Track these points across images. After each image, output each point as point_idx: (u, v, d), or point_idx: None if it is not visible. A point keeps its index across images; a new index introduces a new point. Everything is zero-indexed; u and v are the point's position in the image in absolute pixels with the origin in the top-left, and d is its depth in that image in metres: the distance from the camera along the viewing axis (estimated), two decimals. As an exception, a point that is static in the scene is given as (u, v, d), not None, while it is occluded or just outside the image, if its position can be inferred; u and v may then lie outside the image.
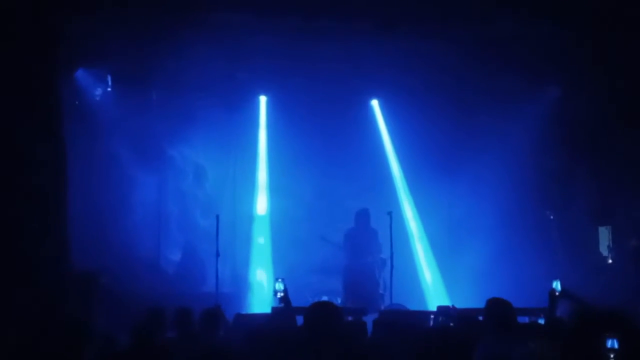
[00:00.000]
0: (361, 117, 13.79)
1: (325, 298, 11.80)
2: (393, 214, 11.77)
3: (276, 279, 7.41)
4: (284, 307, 7.35)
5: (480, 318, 6.35)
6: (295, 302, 7.51)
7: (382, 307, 11.33)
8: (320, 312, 5.20)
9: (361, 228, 12.47)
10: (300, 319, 6.57)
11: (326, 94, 13.02)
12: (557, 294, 7.02)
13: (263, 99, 13.74)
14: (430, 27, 11.40)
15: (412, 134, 13.40)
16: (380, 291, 12.19)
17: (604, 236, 12.89)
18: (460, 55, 11.94)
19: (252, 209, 13.60)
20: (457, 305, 10.69)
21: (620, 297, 10.80)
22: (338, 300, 12.41)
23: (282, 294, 7.24)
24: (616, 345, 4.79)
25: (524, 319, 7.90)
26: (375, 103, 14.02)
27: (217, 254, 11.19)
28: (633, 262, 11.86)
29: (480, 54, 11.95)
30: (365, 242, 12.39)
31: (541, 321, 7.74)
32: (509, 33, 11.35)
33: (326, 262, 13.15)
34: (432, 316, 9.43)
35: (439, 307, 9.76)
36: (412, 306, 11.45)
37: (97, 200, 11.92)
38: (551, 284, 7.15)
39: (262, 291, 12.96)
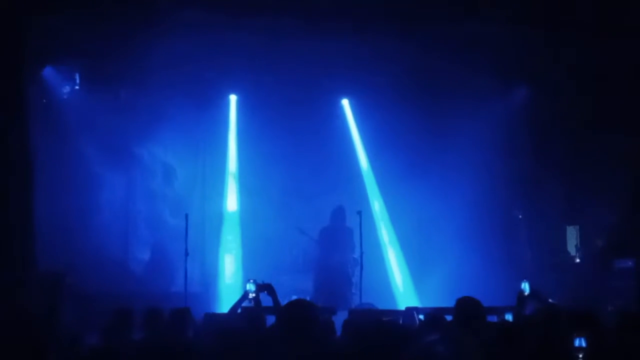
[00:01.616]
0: (331, 116, 13.78)
1: (294, 297, 11.76)
2: (363, 213, 11.77)
3: (248, 280, 7.36)
4: (254, 307, 7.31)
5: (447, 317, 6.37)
6: (265, 302, 7.47)
7: (353, 307, 11.33)
8: (299, 310, 5.12)
9: (336, 226, 12.48)
10: (269, 319, 6.55)
11: (297, 93, 12.99)
12: (525, 294, 7.03)
13: (233, 98, 13.68)
14: (399, 27, 11.42)
15: (382, 133, 13.42)
16: (353, 290, 12.21)
17: (572, 235, 13.00)
18: (429, 55, 12.00)
19: (221, 208, 13.54)
20: (426, 305, 10.76)
21: (587, 296, 10.91)
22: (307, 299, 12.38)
23: (254, 295, 7.21)
24: (584, 344, 4.83)
25: (492, 318, 7.92)
26: (345, 102, 14.02)
27: (186, 253, 11.14)
28: (600, 261, 11.96)
29: (449, 53, 12.01)
30: (341, 240, 12.39)
31: (508, 316, 7.75)
32: (478, 33, 11.41)
33: (296, 262, 13.14)
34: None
35: (407, 309, 9.75)
36: (382, 305, 11.45)
37: (64, 199, 11.81)
38: (520, 285, 7.16)
39: (231, 291, 12.89)
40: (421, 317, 8.93)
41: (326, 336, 5.64)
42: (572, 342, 4.91)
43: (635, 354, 5.12)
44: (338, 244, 12.37)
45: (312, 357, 4.64)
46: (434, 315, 6.65)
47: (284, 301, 6.38)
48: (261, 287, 7.13)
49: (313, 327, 4.94)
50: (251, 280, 7.26)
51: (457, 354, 5.21)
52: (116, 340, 6.27)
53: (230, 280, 13.17)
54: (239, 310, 7.16)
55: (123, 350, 5.98)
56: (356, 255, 12.07)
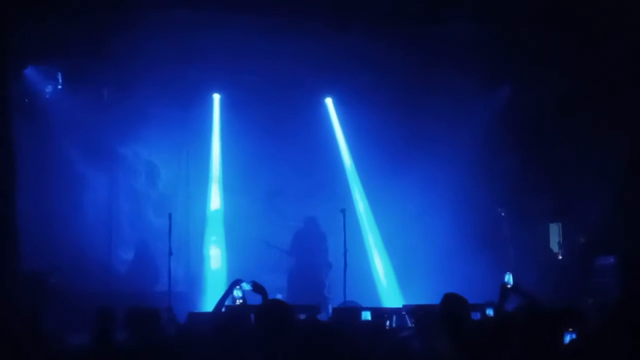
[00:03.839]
0: (315, 115, 13.81)
1: (279, 296, 11.79)
2: (346, 212, 11.82)
3: (236, 286, 7.33)
4: (238, 305, 7.31)
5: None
6: (250, 300, 7.48)
7: (330, 308, 11.42)
8: (272, 309, 5.19)
9: (310, 230, 12.57)
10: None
11: (280, 92, 13.01)
12: (508, 287, 7.05)
13: (217, 97, 13.67)
14: (382, 26, 11.45)
15: (366, 132, 13.46)
16: (325, 293, 12.30)
17: (555, 233, 13.07)
18: (412, 54, 12.05)
19: (205, 207, 13.53)
20: (410, 302, 10.80)
21: (569, 293, 10.98)
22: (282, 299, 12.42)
23: (241, 301, 7.20)
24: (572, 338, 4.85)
25: (475, 315, 7.96)
26: (329, 101, 14.04)
27: (170, 253, 11.12)
28: (582, 258, 12.04)
29: (432, 53, 12.07)
30: (313, 244, 12.47)
31: (489, 311, 7.78)
32: (461, 33, 11.45)
33: (280, 261, 13.14)
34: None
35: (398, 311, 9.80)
36: (365, 303, 11.48)
37: (47, 199, 11.79)
38: (503, 278, 7.17)
39: (215, 290, 12.88)
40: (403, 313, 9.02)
41: (306, 334, 5.66)
42: (556, 339, 4.93)
43: (620, 350, 5.14)
44: (311, 248, 12.47)
45: (289, 354, 4.68)
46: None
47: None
48: (256, 288, 7.11)
49: (287, 326, 4.99)
50: (238, 287, 7.23)
51: (431, 349, 5.25)
52: (99, 340, 6.25)
53: (214, 280, 13.15)
54: (224, 309, 7.15)
55: (106, 350, 5.97)
56: (330, 259, 12.18)
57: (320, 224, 12.59)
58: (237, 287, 7.21)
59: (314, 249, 12.51)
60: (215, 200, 13.56)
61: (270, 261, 13.10)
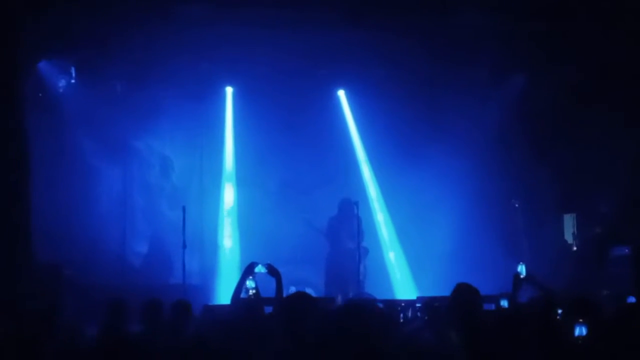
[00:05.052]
0: (328, 107, 13.79)
1: (293, 289, 11.80)
2: (360, 204, 11.81)
3: (250, 270, 7.33)
4: (252, 297, 7.31)
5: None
6: (264, 293, 7.50)
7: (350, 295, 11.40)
8: (298, 302, 5.20)
9: (345, 215, 12.46)
10: (267, 310, 6.58)
11: (293, 84, 12.99)
12: (521, 277, 7.04)
13: (229, 90, 13.68)
14: (395, 18, 11.43)
15: (379, 124, 13.44)
16: (360, 278, 12.27)
17: (569, 223, 13.02)
18: (425, 46, 12.01)
19: (219, 200, 13.56)
20: (424, 294, 10.79)
21: (584, 284, 10.95)
22: (306, 290, 12.42)
23: (254, 291, 7.20)
24: (584, 332, 4.83)
25: (490, 306, 7.95)
26: (341, 93, 14.02)
27: (184, 246, 11.15)
28: (597, 249, 12.00)
29: (445, 44, 12.03)
30: (349, 229, 12.41)
31: (504, 302, 7.77)
32: (474, 23, 11.42)
33: (294, 253, 13.13)
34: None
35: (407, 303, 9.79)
36: (379, 295, 11.48)
37: (61, 192, 11.84)
38: (516, 268, 7.16)
39: (229, 283, 12.91)
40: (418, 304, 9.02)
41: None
42: (571, 330, 4.92)
43: (634, 341, 5.12)
44: (347, 233, 12.41)
45: (307, 345, 4.70)
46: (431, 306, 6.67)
47: (284, 292, 6.43)
48: (271, 271, 7.10)
49: (310, 318, 5.01)
50: (250, 277, 7.22)
51: (443, 340, 5.24)
52: (109, 332, 6.28)
53: (228, 272, 13.19)
54: (243, 294, 7.13)
55: (117, 343, 5.99)
56: (365, 244, 12.11)
57: (355, 207, 12.42)
58: (250, 277, 7.20)
59: (350, 232, 12.45)
60: (228, 192, 13.59)
61: (285, 253, 13.10)
